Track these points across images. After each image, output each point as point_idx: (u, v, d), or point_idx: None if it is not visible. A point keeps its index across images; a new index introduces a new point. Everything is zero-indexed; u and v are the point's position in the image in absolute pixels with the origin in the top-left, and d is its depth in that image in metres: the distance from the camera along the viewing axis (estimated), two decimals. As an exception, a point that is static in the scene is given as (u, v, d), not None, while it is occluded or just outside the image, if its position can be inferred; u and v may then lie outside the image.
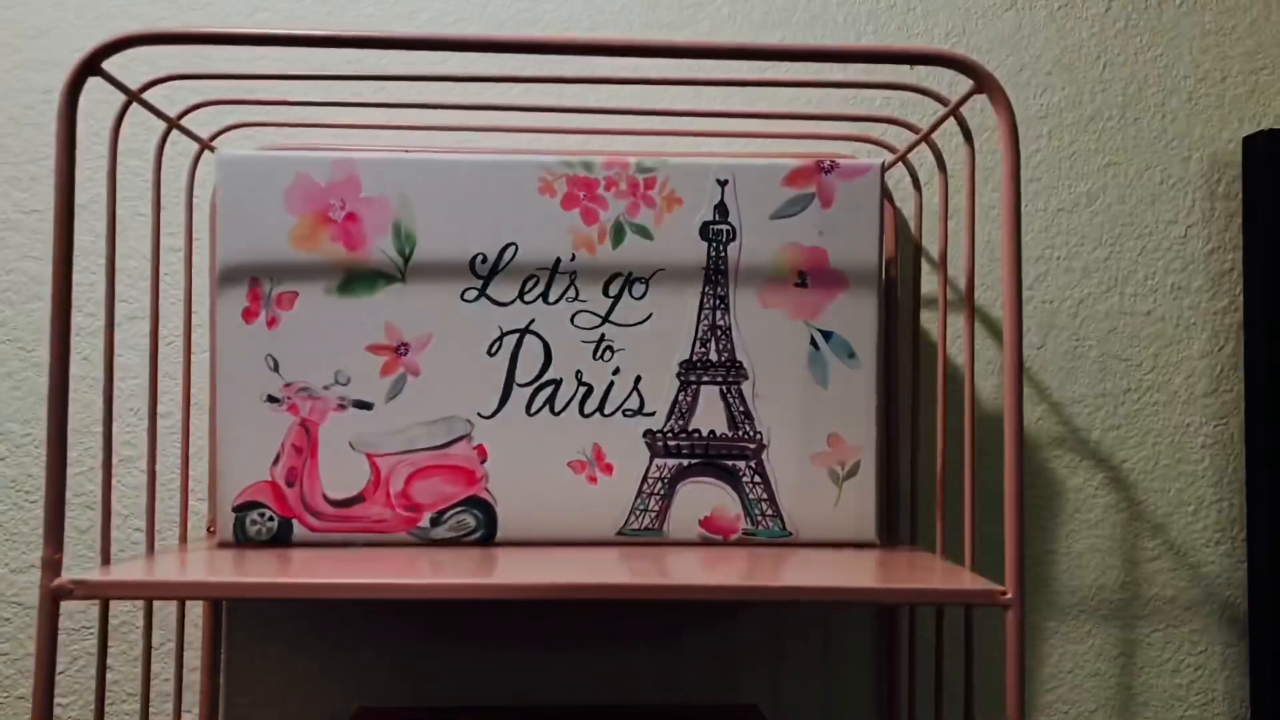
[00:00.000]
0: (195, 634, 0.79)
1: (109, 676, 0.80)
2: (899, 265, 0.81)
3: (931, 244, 0.82)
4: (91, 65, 0.57)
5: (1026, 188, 0.85)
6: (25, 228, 0.81)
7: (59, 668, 0.80)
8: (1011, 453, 0.56)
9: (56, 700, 0.79)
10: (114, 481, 0.80)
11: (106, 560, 0.67)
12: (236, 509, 0.69)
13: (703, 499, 0.71)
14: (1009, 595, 0.57)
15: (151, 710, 0.79)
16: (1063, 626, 0.83)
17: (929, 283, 0.82)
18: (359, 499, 0.70)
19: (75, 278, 0.81)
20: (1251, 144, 0.84)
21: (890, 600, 0.58)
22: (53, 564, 0.56)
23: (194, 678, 0.79)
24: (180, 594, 0.57)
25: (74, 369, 0.80)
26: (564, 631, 0.81)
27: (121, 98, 0.66)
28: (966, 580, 0.59)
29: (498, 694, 0.81)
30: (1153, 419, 0.84)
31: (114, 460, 0.80)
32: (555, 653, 0.81)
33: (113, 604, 0.80)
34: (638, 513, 0.70)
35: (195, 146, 0.77)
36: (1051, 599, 0.83)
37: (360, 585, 0.56)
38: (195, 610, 0.79)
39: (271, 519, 0.69)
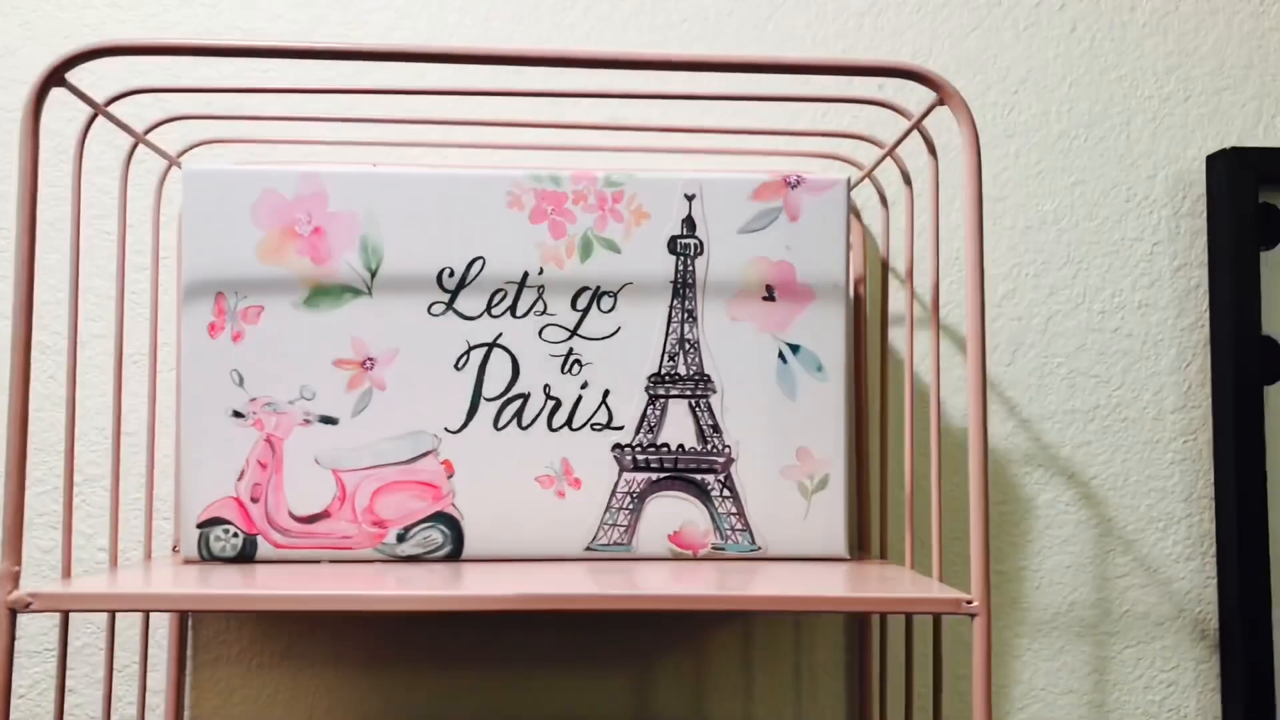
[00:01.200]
0: (160, 655, 0.78)
1: (70, 700, 0.79)
2: (868, 283, 0.82)
3: (900, 262, 0.83)
4: (56, 76, 0.57)
5: (994, 206, 0.85)
6: (-9, 246, 0.81)
7: (19, 690, 0.78)
8: (976, 459, 0.56)
9: (17, 724, 0.78)
10: (79, 501, 0.80)
11: (68, 575, 0.66)
12: (201, 525, 0.68)
13: (672, 513, 0.70)
14: (975, 604, 0.56)
15: (114, 734, 0.78)
16: (1035, 644, 0.83)
17: (897, 300, 0.82)
18: (324, 515, 0.69)
19: (41, 296, 0.80)
20: (1214, 162, 0.85)
21: (857, 609, 0.58)
22: (11, 576, 0.55)
23: (158, 700, 0.78)
24: (142, 605, 0.56)
25: (39, 388, 0.80)
26: (532, 651, 0.81)
27: (87, 112, 0.66)
28: (934, 590, 0.59)
29: (467, 713, 0.80)
30: (1122, 435, 0.84)
31: (79, 479, 0.79)
32: (524, 672, 0.81)
33: (75, 626, 0.79)
34: (606, 527, 0.70)
35: (162, 164, 0.77)
36: (1023, 616, 0.83)
37: (324, 597, 0.55)
38: (160, 631, 0.78)
39: (236, 535, 0.68)
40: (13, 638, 0.55)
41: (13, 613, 0.55)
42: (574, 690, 0.81)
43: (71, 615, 0.78)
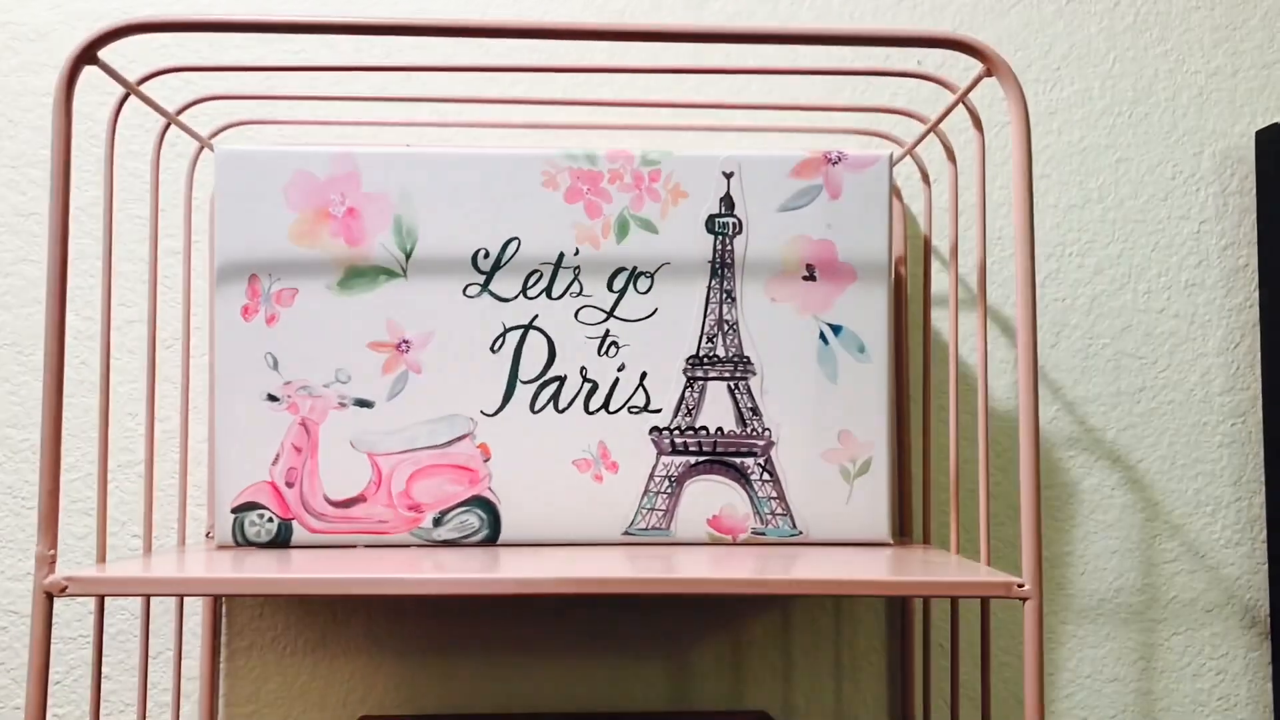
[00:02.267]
0: (194, 642, 0.78)
1: (105, 687, 0.78)
2: (909, 263, 0.80)
3: (942, 241, 0.81)
4: (89, 54, 0.56)
5: (1037, 184, 0.84)
6: (23, 231, 0.80)
7: (55, 677, 0.78)
8: (1027, 439, 0.55)
9: (53, 711, 0.78)
10: (112, 487, 0.79)
11: (102, 560, 0.65)
12: (235, 510, 0.68)
13: (710, 497, 0.69)
14: (1027, 587, 0.55)
15: (149, 716, 0.78)
16: (1080, 630, 0.81)
17: (940, 280, 0.81)
18: (360, 499, 0.68)
19: (73, 281, 0.80)
20: (1264, 138, 0.83)
21: (904, 593, 0.57)
22: (47, 560, 0.54)
23: (193, 687, 0.78)
24: (176, 590, 0.56)
25: (72, 373, 0.79)
26: (569, 637, 0.80)
27: (118, 94, 0.65)
28: (983, 573, 0.58)
29: (501, 701, 0.79)
30: (1168, 418, 0.83)
31: (112, 465, 0.79)
32: (560, 659, 0.80)
33: (110, 612, 0.78)
34: (644, 512, 0.69)
35: (194, 146, 0.77)
36: (1068, 602, 0.81)
37: (358, 580, 0.54)
38: (194, 619, 0.78)
39: (271, 520, 0.68)
40: (49, 621, 0.54)
41: (49, 597, 0.54)
42: (611, 677, 0.80)
43: (107, 602, 0.78)
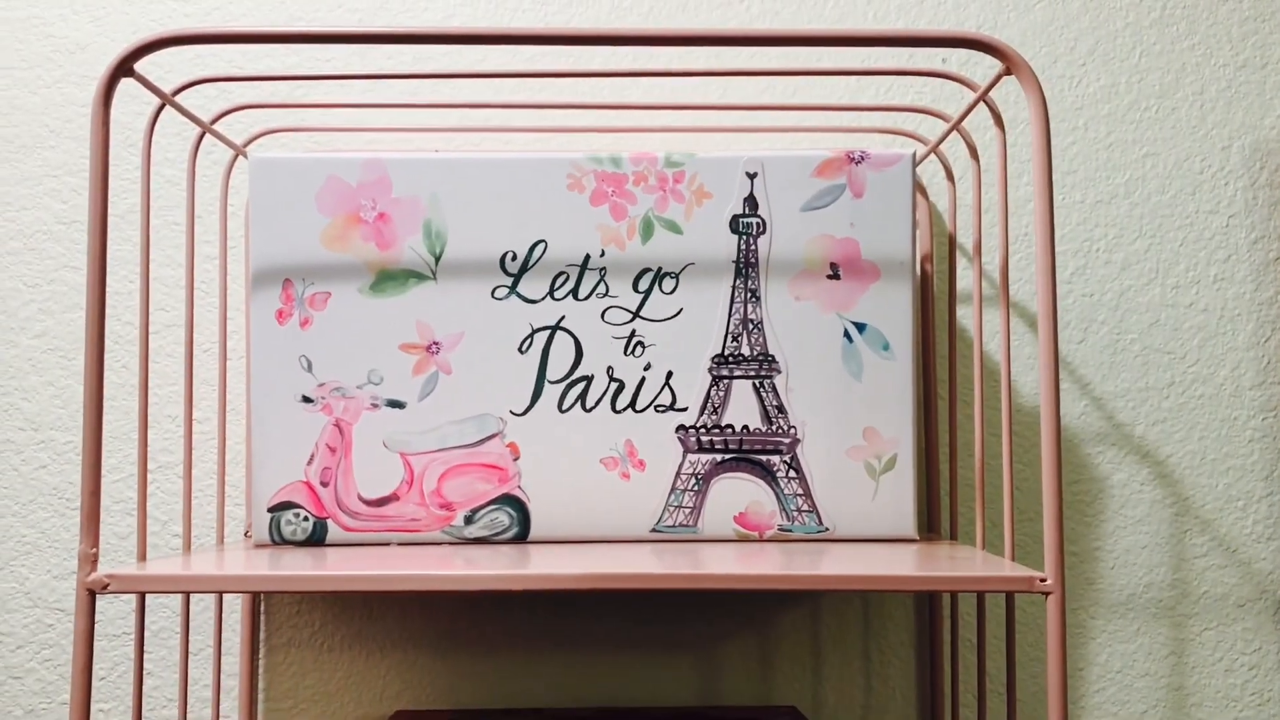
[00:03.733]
0: (233, 639, 0.80)
1: (147, 683, 0.80)
2: (934, 260, 0.81)
3: (966, 238, 0.81)
4: (126, 66, 0.58)
5: (1064, 180, 0.84)
6: (64, 239, 0.82)
7: (99, 673, 0.80)
8: (1049, 435, 0.55)
9: (96, 707, 0.80)
10: (152, 488, 0.81)
11: (143, 559, 0.67)
12: (272, 510, 0.69)
13: (737, 495, 0.70)
14: (1049, 581, 0.55)
15: (190, 716, 0.80)
16: (1110, 625, 0.81)
17: (965, 277, 0.81)
18: (393, 498, 0.70)
19: (113, 286, 0.82)
20: (1293, 131, 0.82)
21: (929, 589, 0.57)
22: (89, 558, 0.56)
23: (232, 683, 0.80)
24: (216, 587, 0.57)
25: (113, 377, 0.81)
26: (598, 634, 0.81)
27: (154, 105, 0.67)
28: (1006, 568, 0.58)
29: (534, 696, 0.80)
30: (1198, 413, 0.82)
31: (151, 466, 0.81)
32: (592, 654, 0.81)
33: (151, 609, 0.80)
34: (671, 509, 0.70)
35: (228, 154, 0.78)
36: (1098, 597, 0.81)
37: (392, 577, 0.56)
38: (233, 616, 0.80)
39: (306, 519, 0.69)
40: (93, 618, 0.56)
41: (92, 594, 0.56)
42: (640, 673, 0.81)
43: (148, 600, 0.80)
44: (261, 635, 0.80)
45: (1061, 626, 0.55)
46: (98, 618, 0.80)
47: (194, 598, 0.79)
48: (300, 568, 0.58)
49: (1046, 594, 0.55)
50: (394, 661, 0.80)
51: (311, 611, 0.80)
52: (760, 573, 0.56)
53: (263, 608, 0.80)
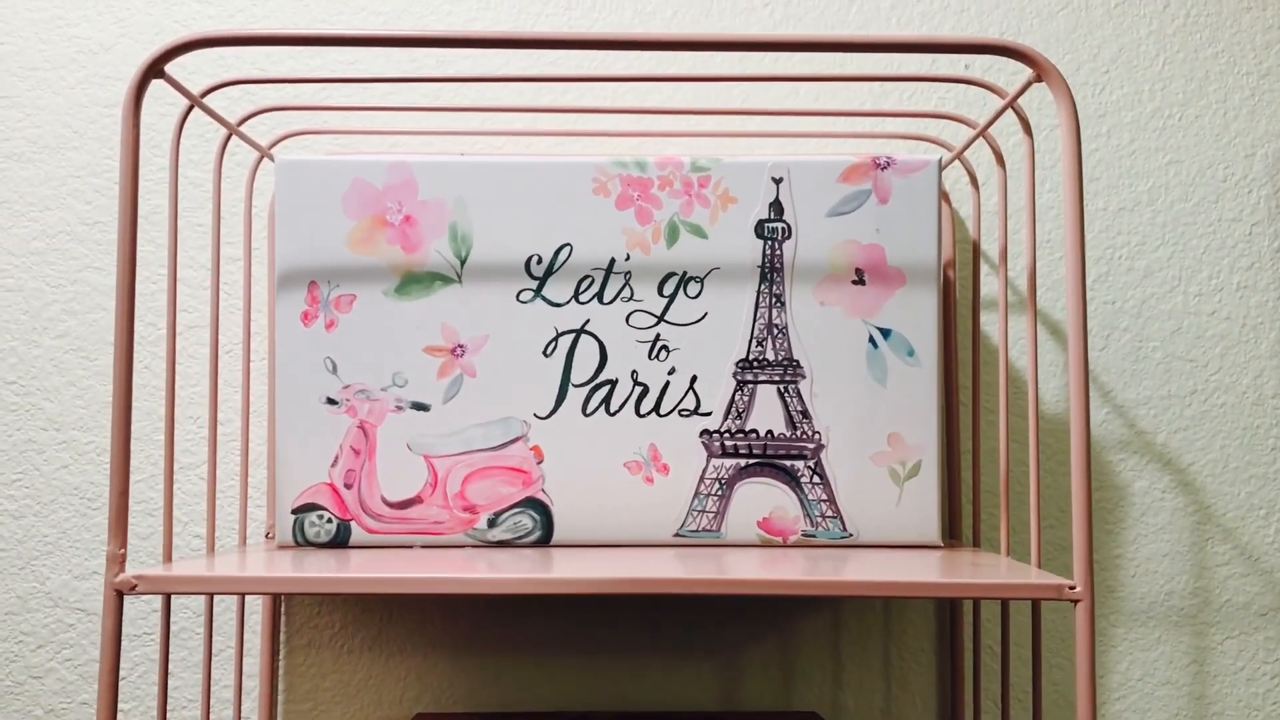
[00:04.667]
0: (254, 640, 0.80)
1: (170, 683, 0.80)
2: (957, 267, 0.80)
3: (991, 245, 0.81)
4: (156, 68, 0.58)
5: (1086, 187, 0.84)
6: (88, 240, 0.82)
7: (120, 673, 0.80)
8: (1079, 439, 0.55)
9: (118, 707, 0.80)
10: (175, 489, 0.81)
11: (168, 560, 0.67)
12: (295, 511, 0.69)
13: (761, 500, 0.70)
14: (1078, 589, 0.55)
15: (212, 716, 0.80)
16: (1131, 634, 0.81)
17: (988, 285, 0.81)
18: (417, 500, 0.70)
19: (137, 287, 0.82)
20: (1318, 139, 0.82)
21: (955, 595, 0.57)
22: (117, 559, 0.56)
23: (253, 684, 0.80)
24: (241, 589, 0.57)
25: (135, 378, 0.81)
26: (619, 639, 0.81)
27: (181, 106, 0.67)
28: (1033, 576, 0.58)
29: (555, 700, 0.80)
30: (1220, 421, 0.82)
31: (175, 468, 0.81)
32: (612, 659, 0.81)
33: (173, 610, 0.80)
34: (695, 514, 0.70)
35: (254, 156, 0.78)
36: (1119, 605, 0.81)
37: (414, 580, 0.56)
38: (254, 617, 0.80)
39: (330, 521, 0.69)
40: (120, 618, 0.56)
41: (119, 595, 0.56)
42: (660, 678, 0.81)
43: (172, 600, 0.80)
44: (282, 636, 0.80)
45: (1090, 635, 0.55)
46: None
47: (216, 597, 0.80)
48: (325, 569, 0.58)
49: (1075, 602, 0.55)
50: (414, 664, 0.80)
51: (332, 613, 0.80)
52: (784, 578, 0.56)
53: (283, 609, 0.80)
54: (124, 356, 0.57)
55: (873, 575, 0.57)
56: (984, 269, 0.81)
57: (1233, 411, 0.82)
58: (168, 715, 0.80)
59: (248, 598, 0.79)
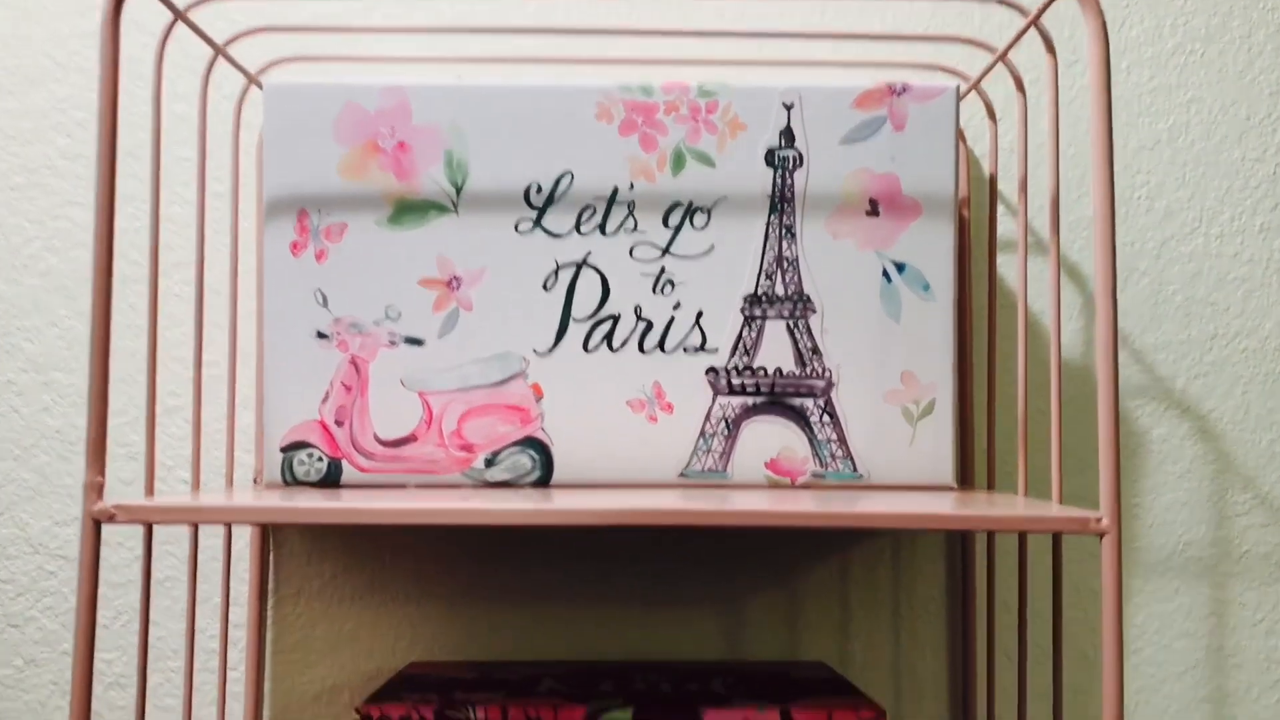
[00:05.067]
0: (241, 589, 0.77)
1: (153, 633, 0.77)
2: (972, 209, 0.78)
3: (1007, 186, 0.78)
4: (135, -26, 0.55)
5: (1104, 125, 0.81)
6: (70, 175, 0.79)
7: (103, 621, 0.77)
8: (1106, 363, 0.52)
9: (101, 656, 0.77)
10: (159, 432, 0.78)
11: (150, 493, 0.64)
12: (285, 449, 0.66)
13: (769, 439, 0.67)
14: (1105, 521, 0.53)
15: (196, 666, 0.77)
16: (1149, 585, 0.78)
17: (1004, 226, 0.78)
18: (411, 439, 0.67)
19: (119, 224, 0.79)
20: (1345, 76, 0.79)
21: (974, 528, 0.55)
22: (95, 487, 0.53)
23: (240, 634, 0.77)
24: (226, 518, 0.54)
25: (119, 318, 0.78)
26: (622, 588, 0.78)
27: (162, 28, 0.64)
28: (1056, 510, 0.55)
29: (554, 651, 0.78)
30: (1241, 366, 0.80)
31: (159, 410, 0.78)
32: (613, 609, 0.78)
33: (157, 556, 0.77)
34: (700, 454, 0.67)
35: (240, 85, 0.75)
36: (1137, 556, 0.79)
37: (411, 510, 0.53)
38: (241, 565, 0.77)
39: (320, 459, 0.66)
40: (97, 551, 0.53)
41: (97, 524, 0.53)
42: (663, 629, 0.78)
43: (155, 548, 0.77)
44: (270, 585, 0.78)
45: (1117, 571, 0.52)
46: (100, 564, 0.77)
47: (201, 544, 0.77)
48: (313, 502, 0.56)
49: (1101, 535, 0.53)
50: (407, 613, 0.78)
51: (322, 560, 0.78)
52: (791, 510, 0.53)
53: (272, 556, 0.78)
54: (103, 283, 0.54)
55: (888, 508, 0.54)
56: (1000, 209, 0.78)
57: (1254, 357, 0.80)
58: (149, 666, 0.77)
59: (235, 546, 0.77)
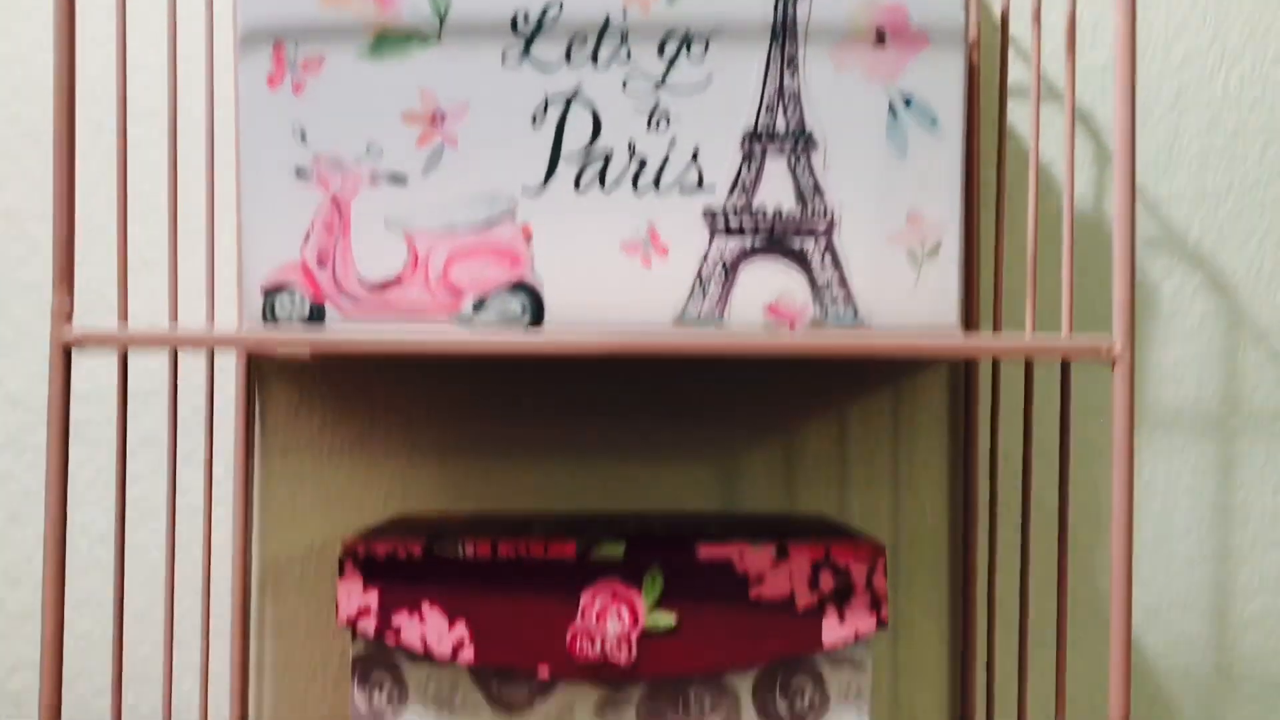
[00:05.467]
0: (226, 444, 0.75)
1: (133, 491, 0.76)
2: (981, 51, 0.74)
3: (1019, 28, 0.75)
4: None
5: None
6: (37, 19, 0.76)
7: (84, 479, 0.76)
8: (1123, 172, 0.50)
9: (79, 515, 0.76)
10: (136, 285, 0.76)
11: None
12: (266, 291, 0.64)
13: (767, 283, 0.65)
14: (1118, 347, 0.51)
15: (179, 520, 0.76)
16: (1154, 440, 0.77)
17: (1014, 70, 0.75)
18: (396, 282, 0.64)
19: (88, 71, 0.75)
20: (1377, -90, 0.75)
21: (978, 356, 0.53)
22: (63, 312, 0.51)
23: (225, 492, 0.75)
24: (203, 343, 0.52)
25: (91, 165, 0.75)
26: (615, 442, 0.76)
27: None
28: (1066, 339, 0.53)
29: (547, 503, 0.76)
30: (1257, 220, 0.77)
31: (136, 262, 0.76)
32: (605, 464, 0.76)
33: (134, 414, 0.75)
34: (696, 298, 0.65)
35: (214, -84, 0.71)
36: (1143, 411, 0.77)
37: (397, 340, 0.51)
38: (226, 419, 0.75)
39: (303, 302, 0.64)
40: (68, 380, 0.51)
41: (66, 353, 0.51)
42: (655, 483, 0.76)
43: (131, 404, 0.75)
44: (256, 438, 0.76)
45: (1130, 400, 0.50)
46: (75, 419, 0.75)
47: (183, 400, 0.75)
48: (298, 333, 0.54)
49: (1114, 363, 0.51)
50: (398, 467, 0.76)
51: (310, 415, 0.76)
52: (788, 341, 0.51)
53: (258, 409, 0.76)
54: (64, 115, 0.51)
55: (891, 341, 0.52)
56: (1010, 56, 0.75)
57: (1271, 210, 0.77)
58: (133, 526, 0.76)
59: (218, 401, 0.75)
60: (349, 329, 0.62)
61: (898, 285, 0.65)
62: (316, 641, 0.76)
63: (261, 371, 0.76)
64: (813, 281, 0.65)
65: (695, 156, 0.64)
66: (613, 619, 0.57)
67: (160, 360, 0.76)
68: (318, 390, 0.76)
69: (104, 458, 0.76)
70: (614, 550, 0.57)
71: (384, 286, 0.64)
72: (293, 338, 0.51)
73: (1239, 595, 0.76)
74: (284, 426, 0.76)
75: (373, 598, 0.57)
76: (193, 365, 0.75)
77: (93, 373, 0.75)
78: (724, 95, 0.64)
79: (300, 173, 0.64)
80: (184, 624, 0.75)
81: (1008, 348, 0.51)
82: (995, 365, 0.72)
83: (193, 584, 0.75)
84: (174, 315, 0.67)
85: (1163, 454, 0.77)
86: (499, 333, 0.53)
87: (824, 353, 0.51)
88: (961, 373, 0.76)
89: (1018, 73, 0.75)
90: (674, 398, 0.76)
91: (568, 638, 0.57)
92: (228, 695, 0.75)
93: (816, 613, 0.57)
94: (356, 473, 0.76)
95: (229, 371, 0.75)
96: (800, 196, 0.64)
